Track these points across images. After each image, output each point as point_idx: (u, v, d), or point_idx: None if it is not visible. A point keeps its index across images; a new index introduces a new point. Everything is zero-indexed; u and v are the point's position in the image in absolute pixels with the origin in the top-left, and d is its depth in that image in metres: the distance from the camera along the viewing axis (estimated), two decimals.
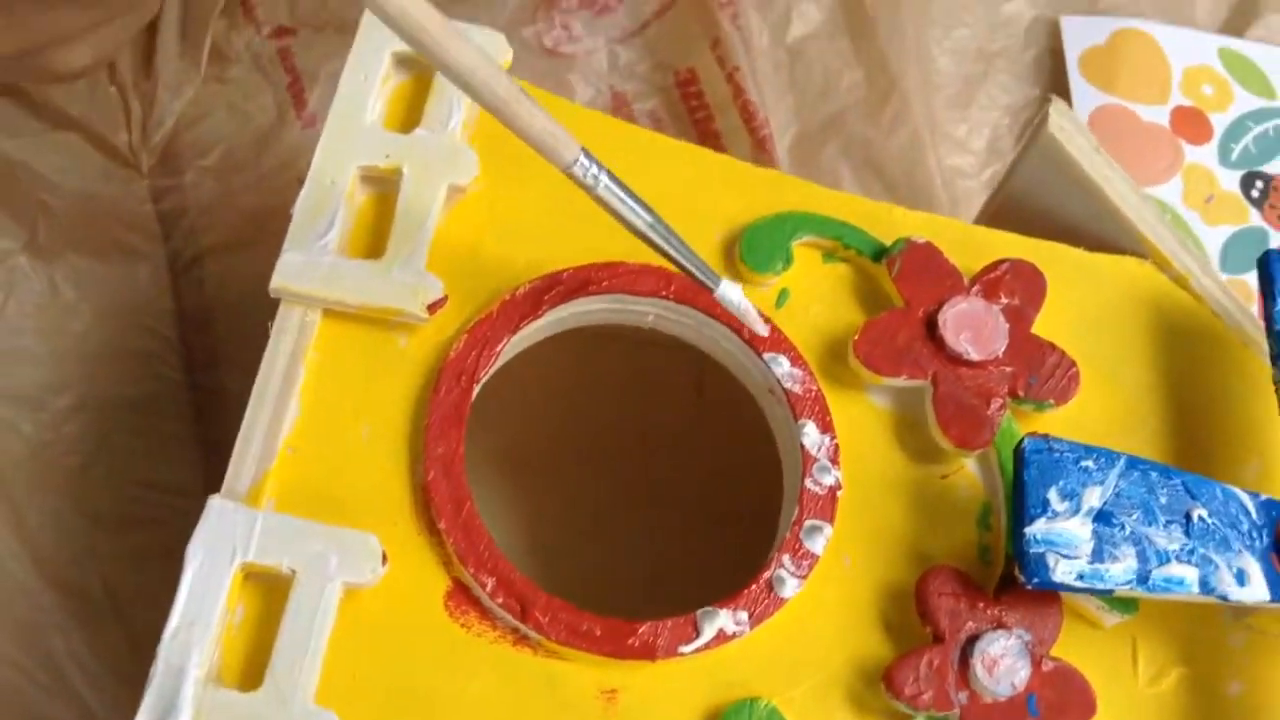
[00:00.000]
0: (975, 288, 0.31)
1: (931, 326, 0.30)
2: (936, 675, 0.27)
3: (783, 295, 0.31)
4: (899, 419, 0.30)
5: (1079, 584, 0.26)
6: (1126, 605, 0.28)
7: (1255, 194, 0.48)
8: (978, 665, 0.27)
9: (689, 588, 0.29)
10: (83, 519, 0.37)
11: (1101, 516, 0.27)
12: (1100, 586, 0.26)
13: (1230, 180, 0.48)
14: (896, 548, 0.29)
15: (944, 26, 0.49)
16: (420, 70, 0.32)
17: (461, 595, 0.27)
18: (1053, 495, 0.27)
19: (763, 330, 0.30)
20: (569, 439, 0.39)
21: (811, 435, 0.29)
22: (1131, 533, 0.27)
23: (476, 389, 0.29)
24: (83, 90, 0.42)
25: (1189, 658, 0.29)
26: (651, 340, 0.32)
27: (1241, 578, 0.27)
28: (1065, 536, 0.26)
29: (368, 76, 0.31)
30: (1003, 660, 0.27)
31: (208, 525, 0.26)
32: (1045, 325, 0.31)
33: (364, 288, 0.29)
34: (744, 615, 0.27)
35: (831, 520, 0.29)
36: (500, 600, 0.27)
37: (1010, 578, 0.28)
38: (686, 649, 0.27)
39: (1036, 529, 0.26)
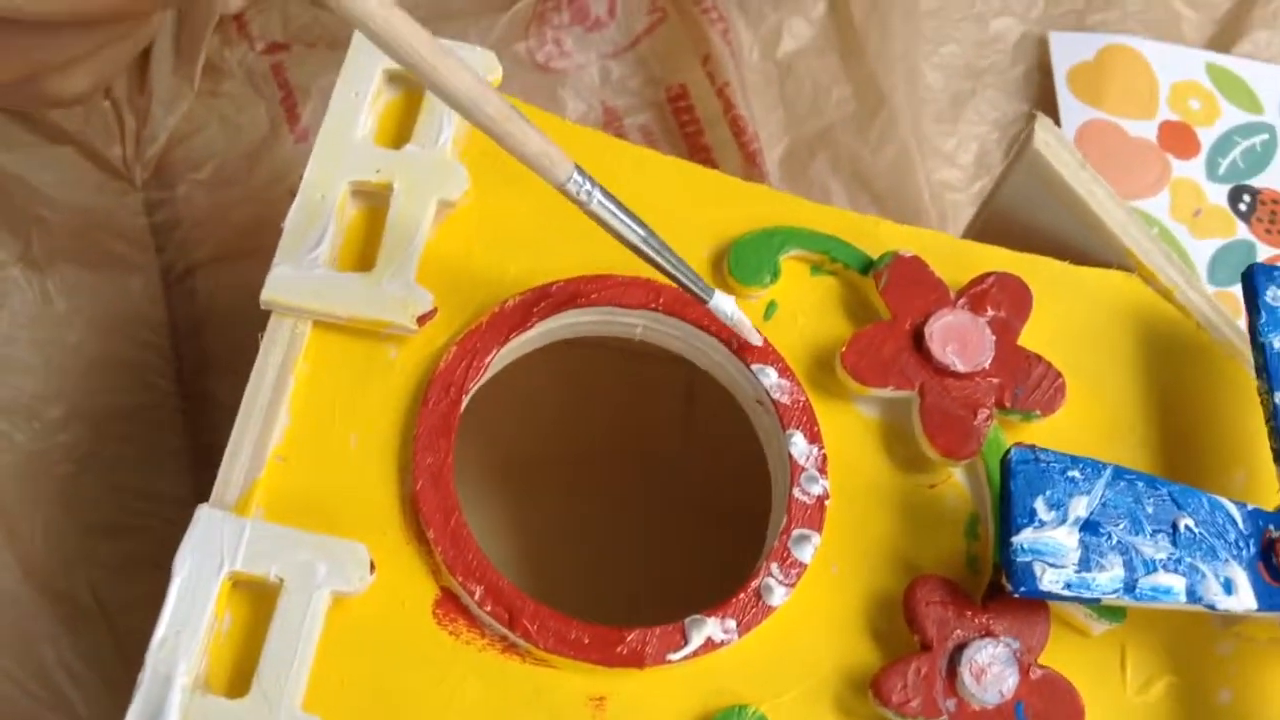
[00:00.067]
0: (962, 300, 0.31)
1: (918, 338, 0.31)
2: (924, 683, 0.27)
3: (771, 307, 0.32)
4: (886, 429, 0.30)
5: (1066, 593, 0.26)
6: (1114, 614, 0.28)
7: (1243, 207, 0.48)
8: (965, 673, 0.27)
9: (681, 595, 0.29)
10: (74, 528, 0.38)
11: (1088, 526, 0.27)
12: (1087, 595, 0.26)
13: (1218, 194, 0.48)
14: (884, 557, 0.29)
15: (933, 43, 0.49)
16: (411, 87, 0.33)
17: (450, 603, 0.27)
18: (1039, 505, 0.27)
19: (757, 341, 0.30)
20: (560, 448, 0.39)
21: (799, 445, 0.30)
22: (1118, 542, 0.27)
23: (465, 400, 0.29)
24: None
25: (1177, 666, 0.29)
26: (643, 351, 0.32)
27: (1229, 587, 0.27)
28: (1052, 546, 0.26)
29: (359, 93, 0.32)
30: (990, 668, 0.27)
31: (196, 534, 0.26)
32: (1031, 337, 0.31)
33: (354, 300, 0.29)
34: (732, 623, 0.27)
35: (819, 529, 0.29)
36: (488, 608, 0.27)
37: (998, 586, 0.28)
38: (675, 657, 0.27)
39: (1023, 538, 0.26)
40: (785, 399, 0.30)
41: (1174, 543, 0.27)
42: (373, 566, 0.27)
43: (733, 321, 0.29)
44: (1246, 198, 0.48)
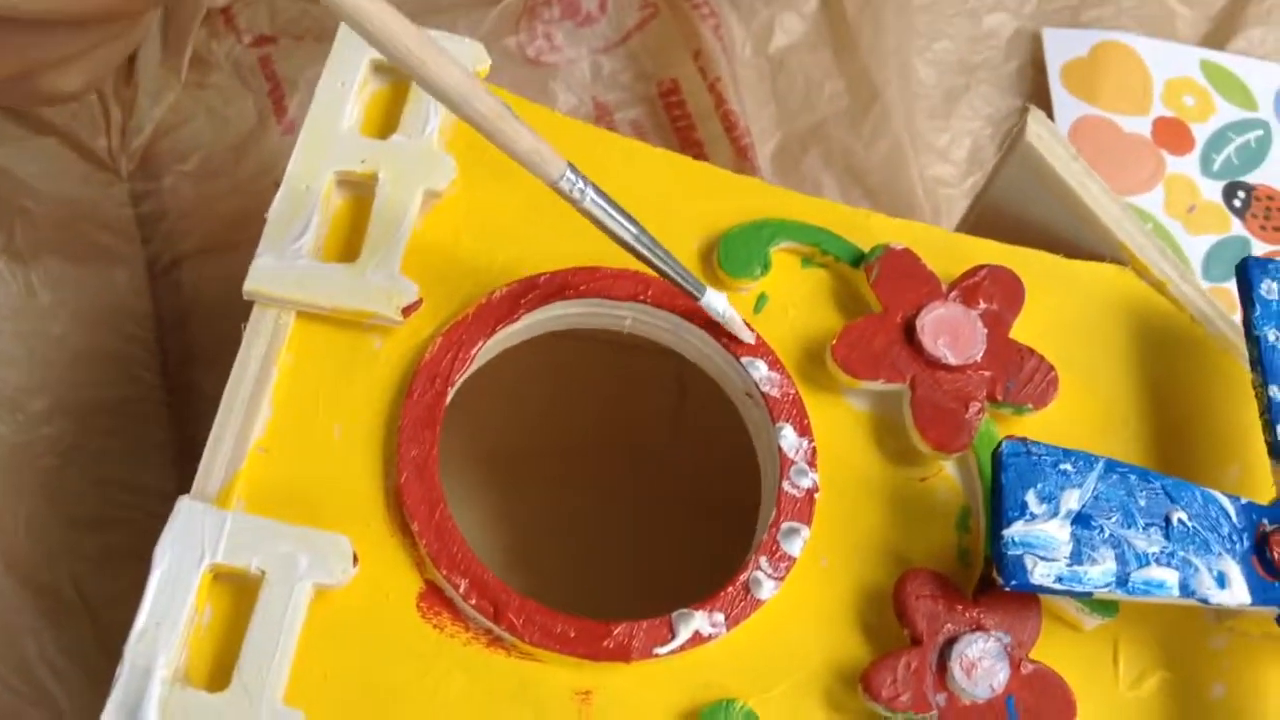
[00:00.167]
0: (953, 293, 0.31)
1: (910, 331, 0.30)
2: (914, 677, 0.27)
3: (761, 300, 0.31)
4: (877, 422, 0.30)
5: (1057, 586, 0.26)
6: (1106, 608, 0.28)
7: (1237, 204, 0.48)
8: (956, 667, 0.27)
9: (670, 588, 0.28)
10: (57, 521, 0.37)
11: (1080, 519, 0.26)
12: (1079, 589, 0.26)
13: (1212, 190, 0.48)
14: (874, 550, 0.29)
15: (926, 38, 0.49)
16: (397, 77, 0.32)
17: (434, 596, 0.27)
18: (1031, 498, 0.26)
19: (749, 338, 0.30)
20: (548, 440, 0.39)
21: (789, 438, 0.29)
22: (1110, 535, 0.26)
23: (451, 392, 0.29)
24: None
25: (1170, 660, 0.29)
26: (633, 343, 0.32)
27: (1222, 580, 0.27)
28: (1043, 539, 0.26)
29: (345, 83, 0.31)
30: (981, 662, 0.27)
31: (176, 526, 0.26)
32: (1024, 330, 0.31)
33: (338, 291, 0.29)
34: (720, 617, 0.27)
35: (809, 522, 0.28)
36: (473, 602, 0.26)
37: (989, 580, 0.28)
38: (662, 650, 0.27)
39: (1014, 531, 0.26)
40: (775, 392, 0.30)
41: (1167, 536, 0.27)
42: (356, 559, 0.26)
43: (724, 319, 0.29)
44: (1241, 194, 0.48)
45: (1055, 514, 0.26)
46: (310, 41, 0.45)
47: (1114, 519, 0.27)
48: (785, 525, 0.28)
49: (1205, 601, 0.26)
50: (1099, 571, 0.26)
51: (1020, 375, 0.30)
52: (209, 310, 0.41)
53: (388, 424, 0.28)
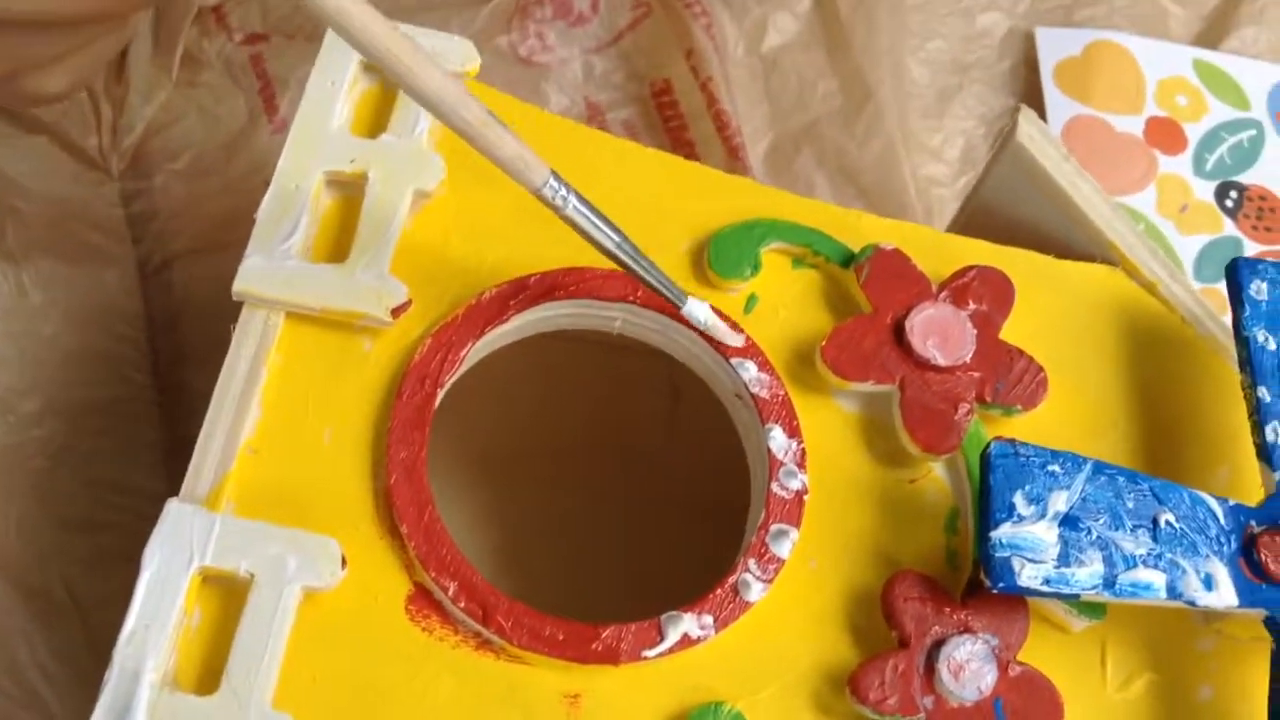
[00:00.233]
0: (943, 294, 0.31)
1: (899, 332, 0.30)
2: (902, 680, 0.27)
3: (751, 301, 0.31)
4: (866, 424, 0.30)
5: (1045, 588, 0.26)
6: (1094, 610, 0.28)
7: (1229, 204, 0.48)
8: (944, 670, 0.27)
9: (662, 589, 0.28)
10: (48, 522, 0.37)
11: (1068, 521, 0.26)
12: (1066, 591, 0.26)
13: (1205, 190, 0.48)
14: (863, 552, 0.29)
15: (919, 37, 0.49)
16: (387, 77, 0.32)
17: (423, 599, 0.27)
18: (1018, 499, 0.26)
19: (735, 342, 0.30)
20: (539, 442, 0.39)
21: (778, 439, 0.29)
22: (1098, 537, 0.26)
23: (441, 393, 0.29)
24: None
25: (1158, 663, 0.29)
26: (626, 344, 0.32)
27: (1209, 583, 0.27)
28: (1031, 541, 0.26)
29: (335, 82, 0.31)
30: (969, 665, 0.27)
31: (165, 528, 0.26)
32: (1013, 331, 0.31)
33: (327, 291, 0.29)
34: (709, 619, 0.27)
35: (798, 524, 0.28)
36: (462, 604, 0.26)
37: (977, 582, 0.28)
38: (650, 653, 0.27)
39: (1002, 533, 0.26)
40: (764, 393, 0.30)
41: (1154, 538, 0.27)
42: (344, 561, 0.26)
43: (707, 326, 0.29)
44: (1233, 193, 0.48)
45: (1043, 516, 0.26)
46: (302, 40, 0.45)
47: (1102, 521, 0.27)
48: (774, 527, 0.28)
49: (1192, 604, 0.26)
50: (1086, 573, 0.26)
51: (1009, 376, 0.30)
52: (200, 310, 0.40)
53: (377, 425, 0.28)
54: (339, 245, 0.30)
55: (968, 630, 0.27)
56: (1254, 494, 0.29)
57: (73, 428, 0.39)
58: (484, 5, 0.46)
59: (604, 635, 0.27)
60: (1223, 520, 0.27)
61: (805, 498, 0.29)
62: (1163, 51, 0.50)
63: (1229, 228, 0.47)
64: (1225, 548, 0.27)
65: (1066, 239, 0.34)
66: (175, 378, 0.40)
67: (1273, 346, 0.30)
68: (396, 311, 0.29)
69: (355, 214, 0.30)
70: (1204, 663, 0.29)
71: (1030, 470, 0.27)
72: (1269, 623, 0.27)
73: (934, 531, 0.29)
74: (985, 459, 0.27)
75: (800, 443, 0.29)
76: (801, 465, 0.29)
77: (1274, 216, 0.48)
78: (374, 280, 0.29)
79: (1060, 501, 0.27)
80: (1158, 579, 0.26)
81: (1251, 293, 0.30)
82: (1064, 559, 0.26)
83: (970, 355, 0.30)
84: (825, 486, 0.29)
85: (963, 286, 0.31)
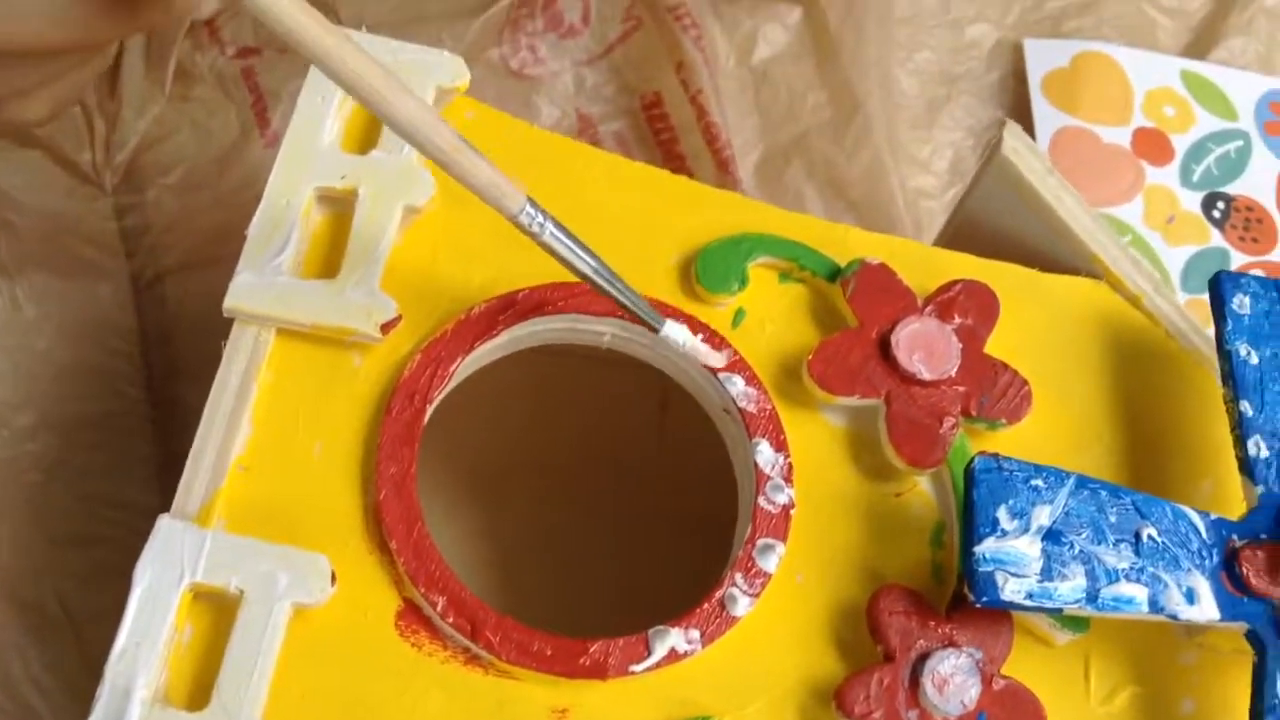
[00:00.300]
0: (929, 308, 0.31)
1: (885, 346, 0.30)
2: (887, 694, 0.27)
3: (739, 315, 0.31)
4: (853, 438, 0.30)
5: (1028, 603, 0.26)
6: (1078, 624, 0.28)
7: (1217, 214, 0.48)
8: (928, 684, 0.27)
9: (652, 603, 0.29)
10: (42, 537, 0.37)
11: (1051, 535, 0.27)
12: (1049, 605, 0.26)
13: (1192, 201, 0.48)
14: (849, 566, 0.29)
15: (908, 49, 0.50)
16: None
17: (412, 615, 0.27)
18: (1002, 514, 0.27)
19: (716, 363, 0.30)
20: (530, 456, 0.39)
21: (765, 453, 0.30)
22: (1081, 551, 0.27)
23: (430, 409, 0.29)
24: None
25: (1141, 676, 0.29)
26: (616, 359, 0.32)
27: (1191, 596, 0.27)
28: (1014, 555, 0.26)
29: (325, 98, 0.32)
30: (953, 679, 0.27)
31: (156, 545, 0.26)
32: (998, 345, 0.31)
33: (317, 307, 0.29)
34: (696, 634, 0.27)
35: (784, 539, 0.29)
36: (451, 620, 0.27)
37: (961, 596, 0.28)
38: (638, 668, 0.27)
39: (985, 548, 0.26)
40: (752, 407, 0.30)
41: (1137, 552, 0.27)
42: (334, 578, 0.26)
43: (686, 348, 0.30)
44: (1220, 204, 0.48)
45: (1026, 530, 0.27)
46: (294, 54, 0.45)
47: (1084, 535, 0.27)
48: (761, 542, 0.29)
49: (1174, 617, 0.27)
50: (1069, 588, 0.26)
51: (994, 390, 0.31)
52: (193, 324, 0.41)
53: (367, 441, 0.29)
54: (329, 261, 0.30)
55: (952, 644, 0.28)
56: (1237, 507, 0.29)
57: (66, 442, 0.39)
58: (475, 18, 0.47)
59: (592, 650, 0.27)
60: (1204, 534, 0.28)
61: (792, 512, 0.29)
62: (1151, 62, 0.51)
63: (1216, 239, 0.48)
64: (1207, 561, 0.27)
65: (1052, 252, 0.34)
66: (169, 392, 0.40)
67: (1255, 360, 0.30)
68: (386, 327, 0.29)
69: (345, 230, 0.30)
70: (1186, 676, 0.29)
71: (1014, 485, 0.27)
72: (1250, 636, 0.27)
73: (919, 545, 0.29)
74: (969, 474, 0.27)
75: (787, 457, 0.30)
76: (788, 479, 0.29)
77: (1261, 227, 0.48)
78: (364, 296, 0.29)
79: (1043, 516, 0.27)
80: (1140, 593, 0.27)
81: (1234, 307, 0.31)
82: (1047, 573, 0.26)
83: (955, 369, 0.30)
84: (812, 500, 0.29)
85: (948, 301, 0.31)
